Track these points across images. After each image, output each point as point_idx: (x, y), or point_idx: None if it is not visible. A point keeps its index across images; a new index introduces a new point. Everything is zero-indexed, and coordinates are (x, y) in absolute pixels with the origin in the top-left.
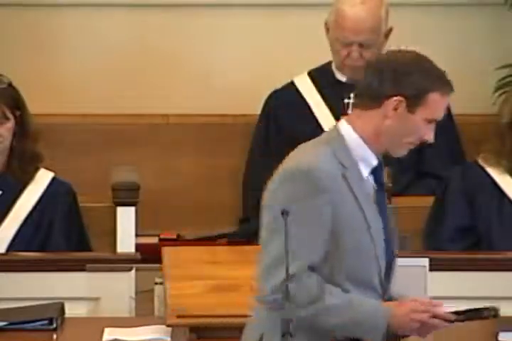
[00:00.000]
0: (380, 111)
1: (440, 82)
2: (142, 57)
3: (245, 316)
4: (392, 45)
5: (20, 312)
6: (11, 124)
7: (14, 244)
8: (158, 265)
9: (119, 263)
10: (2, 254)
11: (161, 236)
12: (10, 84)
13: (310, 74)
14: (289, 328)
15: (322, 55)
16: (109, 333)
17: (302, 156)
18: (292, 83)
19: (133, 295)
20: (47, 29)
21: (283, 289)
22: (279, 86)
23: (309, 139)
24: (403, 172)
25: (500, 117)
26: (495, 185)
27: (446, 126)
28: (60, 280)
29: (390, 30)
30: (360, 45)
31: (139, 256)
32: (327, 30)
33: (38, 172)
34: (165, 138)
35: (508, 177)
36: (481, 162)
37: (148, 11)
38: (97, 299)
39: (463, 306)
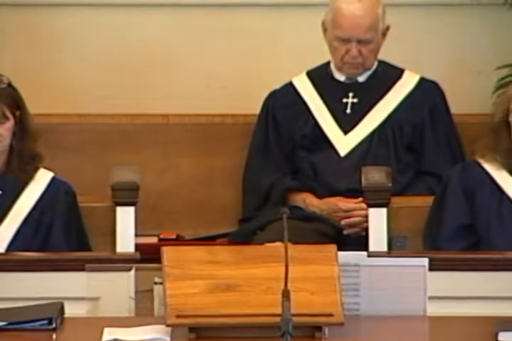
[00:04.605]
0: None
1: None
2: (142, 57)
3: (245, 316)
4: (391, 44)
5: (20, 312)
6: (10, 124)
7: (14, 244)
8: (157, 265)
9: (118, 263)
10: (1, 254)
11: (161, 236)
12: (9, 84)
13: (309, 74)
14: (288, 328)
15: (322, 55)
16: (108, 333)
17: None
18: (291, 83)
19: (132, 295)
20: (47, 29)
21: None
22: (278, 86)
23: (308, 139)
24: (402, 172)
25: (493, 116)
26: (494, 184)
27: (446, 126)
28: (60, 280)
29: (388, 28)
30: (359, 42)
31: (138, 255)
32: (324, 30)
33: (37, 172)
34: (165, 137)
35: (506, 174)
36: (479, 161)
37: (148, 10)
38: (96, 299)
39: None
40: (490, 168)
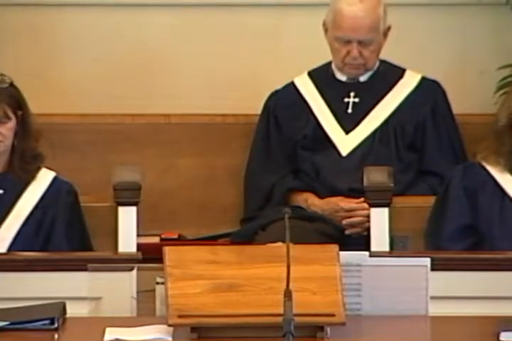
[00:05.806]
0: None
1: None
2: (143, 57)
3: (247, 316)
4: (393, 44)
5: (22, 311)
6: (12, 124)
7: (15, 244)
8: (159, 265)
9: (120, 262)
10: (3, 254)
11: (163, 236)
12: (11, 84)
13: (310, 74)
14: (290, 328)
15: (322, 55)
16: (110, 333)
17: None
18: (292, 83)
19: (134, 295)
20: (47, 29)
21: None
22: (279, 86)
23: (310, 139)
24: (404, 172)
25: (497, 120)
26: (496, 184)
27: (448, 125)
28: (61, 280)
29: (389, 28)
30: (360, 43)
31: (140, 255)
32: (325, 30)
33: (39, 171)
34: (166, 137)
35: (509, 176)
36: (481, 161)
37: (149, 10)
38: (98, 299)
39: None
40: (492, 169)
